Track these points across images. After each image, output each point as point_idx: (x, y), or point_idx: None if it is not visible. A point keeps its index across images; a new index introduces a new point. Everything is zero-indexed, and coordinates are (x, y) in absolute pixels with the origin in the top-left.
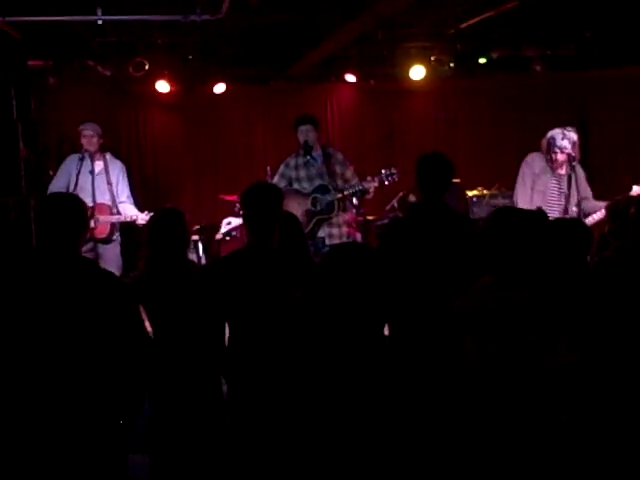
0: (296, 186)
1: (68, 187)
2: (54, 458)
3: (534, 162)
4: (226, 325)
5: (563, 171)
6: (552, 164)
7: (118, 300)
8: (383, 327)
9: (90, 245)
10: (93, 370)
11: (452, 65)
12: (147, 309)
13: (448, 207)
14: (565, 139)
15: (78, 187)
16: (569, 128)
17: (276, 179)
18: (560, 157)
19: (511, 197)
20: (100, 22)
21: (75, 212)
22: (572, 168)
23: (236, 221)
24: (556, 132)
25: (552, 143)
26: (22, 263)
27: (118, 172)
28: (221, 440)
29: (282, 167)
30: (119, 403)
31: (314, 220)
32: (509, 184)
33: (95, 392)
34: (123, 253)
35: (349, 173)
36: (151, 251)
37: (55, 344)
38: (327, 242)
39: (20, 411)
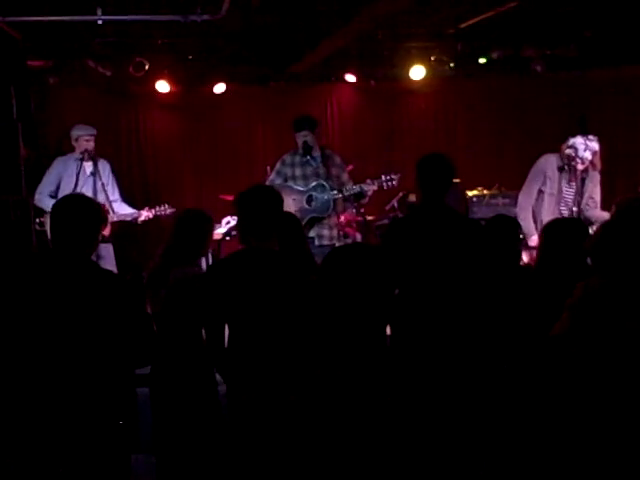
0: (290, 184)
1: (58, 189)
2: (56, 457)
3: (547, 163)
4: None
5: (578, 178)
6: (569, 171)
7: (127, 300)
8: (385, 327)
9: None
10: (97, 369)
11: (452, 65)
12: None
13: (449, 207)
14: (587, 150)
15: (78, 189)
16: (591, 137)
17: (272, 176)
18: (580, 167)
19: (511, 197)
20: (100, 22)
21: (95, 215)
22: (586, 173)
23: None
24: (579, 142)
25: (575, 154)
26: (34, 264)
27: (108, 172)
28: (221, 441)
29: (278, 164)
30: (124, 401)
31: (307, 218)
32: (509, 184)
33: (98, 391)
34: (115, 252)
35: (345, 176)
36: (174, 244)
37: (61, 344)
38: (316, 242)
39: (23, 412)
